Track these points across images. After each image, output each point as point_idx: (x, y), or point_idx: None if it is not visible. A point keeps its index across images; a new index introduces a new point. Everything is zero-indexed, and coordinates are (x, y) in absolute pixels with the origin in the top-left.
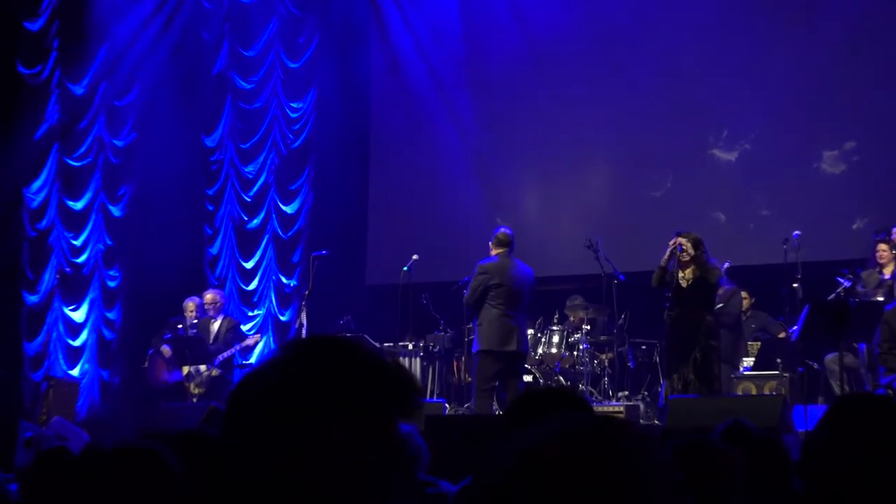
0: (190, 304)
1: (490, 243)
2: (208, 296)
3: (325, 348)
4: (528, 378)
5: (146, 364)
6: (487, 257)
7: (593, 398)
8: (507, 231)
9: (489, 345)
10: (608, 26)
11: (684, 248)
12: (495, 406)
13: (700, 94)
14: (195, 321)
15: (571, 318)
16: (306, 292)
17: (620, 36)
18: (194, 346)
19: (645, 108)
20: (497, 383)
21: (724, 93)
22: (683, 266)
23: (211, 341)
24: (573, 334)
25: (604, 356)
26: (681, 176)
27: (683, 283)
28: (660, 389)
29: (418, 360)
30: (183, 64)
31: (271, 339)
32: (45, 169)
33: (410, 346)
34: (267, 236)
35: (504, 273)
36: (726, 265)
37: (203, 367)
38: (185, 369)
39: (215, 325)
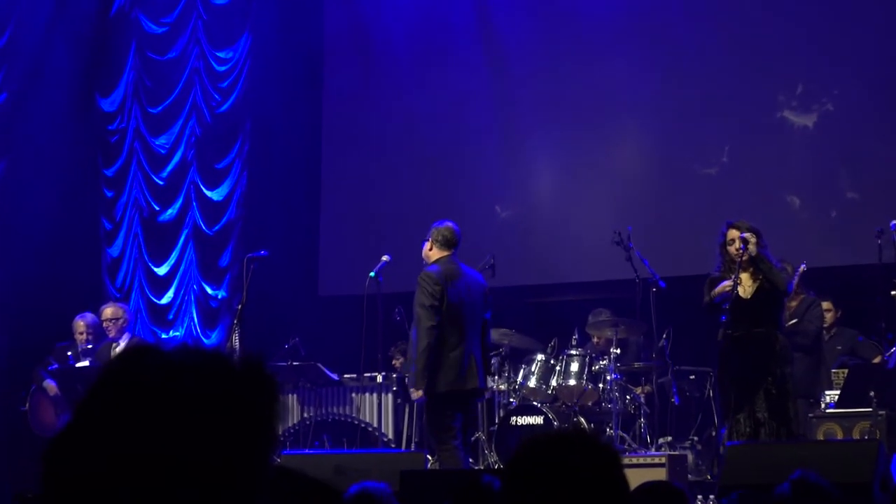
0: (80, 324)
1: (429, 242)
2: (108, 310)
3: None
4: (538, 420)
5: (27, 406)
6: (435, 264)
7: (625, 446)
8: (454, 227)
9: (445, 384)
10: None
11: (748, 245)
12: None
13: (767, 38)
14: (89, 346)
15: (596, 340)
16: (239, 306)
17: None
18: (89, 381)
19: (693, 59)
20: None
21: (798, 37)
22: (741, 269)
23: None
24: (598, 361)
25: (639, 389)
26: (741, 147)
27: (742, 293)
28: (715, 434)
29: (390, 396)
30: (72, 1)
31: None
32: None
33: (380, 379)
34: (186, 232)
35: (457, 285)
36: (801, 267)
37: None
38: None
39: (119, 350)
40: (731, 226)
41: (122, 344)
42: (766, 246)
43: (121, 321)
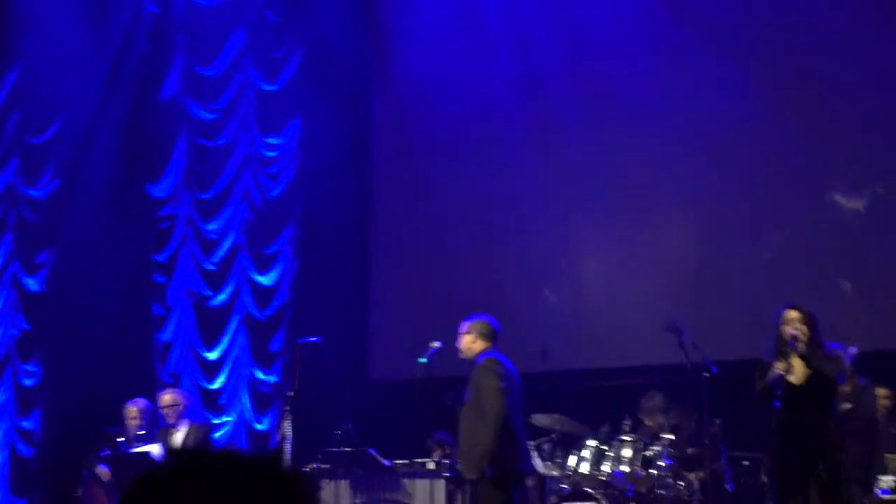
0: (132, 409)
1: (471, 336)
2: (166, 397)
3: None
4: None
5: (79, 491)
6: (487, 352)
7: None
8: (494, 321)
9: (510, 467)
10: (689, 31)
11: (798, 339)
12: None
13: (817, 119)
14: (141, 432)
15: (648, 424)
16: (291, 393)
17: (708, 46)
18: (141, 467)
19: (741, 141)
20: None
21: (849, 118)
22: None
23: None
24: (651, 447)
25: (692, 475)
26: (792, 232)
27: (793, 381)
28: None
29: (442, 482)
30: (121, 88)
31: None
32: None
33: (432, 465)
34: (237, 317)
35: (513, 374)
36: (853, 351)
37: None
38: None
39: (178, 436)
40: (789, 307)
41: (182, 430)
42: (820, 333)
43: (179, 407)
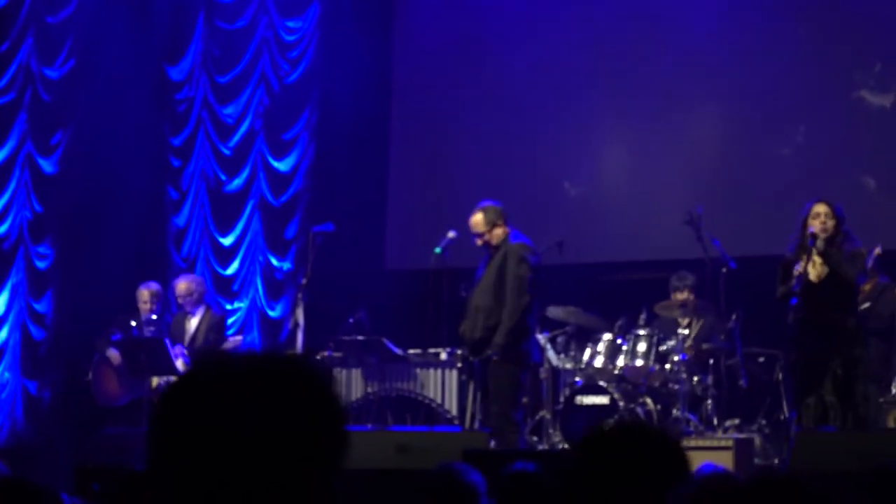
0: (144, 293)
1: (500, 223)
2: (182, 284)
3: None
4: (604, 400)
5: (90, 375)
6: (516, 233)
7: (691, 428)
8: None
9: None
10: None
11: (817, 236)
12: None
13: (844, 15)
14: (153, 316)
15: (664, 317)
16: (304, 280)
17: None
18: (152, 351)
19: (768, 36)
20: None
21: (876, 14)
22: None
23: (187, 343)
24: (665, 341)
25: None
26: (816, 127)
27: (812, 278)
28: (784, 418)
29: (455, 372)
30: None
31: (257, 341)
32: None
33: (444, 355)
34: (252, 203)
35: (539, 267)
36: (876, 250)
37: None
38: (155, 381)
39: (193, 322)
40: (817, 202)
41: (198, 315)
42: (847, 229)
43: (195, 292)
